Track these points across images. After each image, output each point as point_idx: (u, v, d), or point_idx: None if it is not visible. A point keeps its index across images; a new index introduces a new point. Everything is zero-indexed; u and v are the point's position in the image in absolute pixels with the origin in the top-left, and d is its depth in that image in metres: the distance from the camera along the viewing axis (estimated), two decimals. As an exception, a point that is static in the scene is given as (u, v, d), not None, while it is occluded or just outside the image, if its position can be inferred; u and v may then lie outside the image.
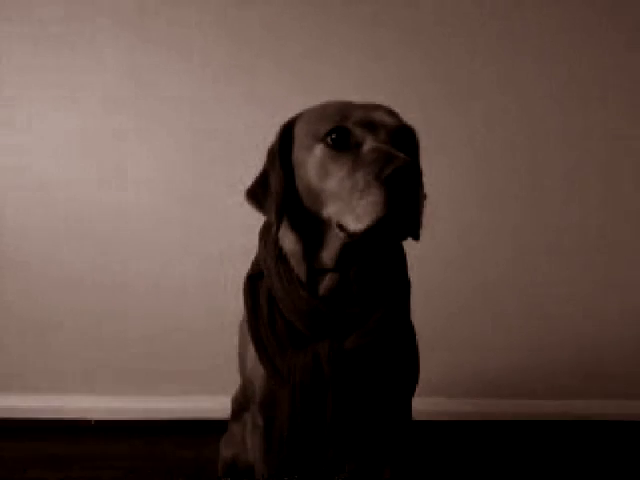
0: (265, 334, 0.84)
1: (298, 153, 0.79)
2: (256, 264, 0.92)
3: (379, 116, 0.77)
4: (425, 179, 0.78)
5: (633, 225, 1.72)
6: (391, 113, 0.80)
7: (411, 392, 0.94)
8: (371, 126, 0.75)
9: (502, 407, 1.73)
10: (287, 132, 0.82)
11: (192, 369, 1.67)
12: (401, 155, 0.68)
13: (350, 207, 0.69)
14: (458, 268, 1.69)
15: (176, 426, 1.63)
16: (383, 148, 0.70)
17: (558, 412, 1.74)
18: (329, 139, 0.74)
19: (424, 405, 1.60)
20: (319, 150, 0.75)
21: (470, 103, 1.64)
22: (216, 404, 1.37)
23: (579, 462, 1.52)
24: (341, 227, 0.72)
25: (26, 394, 1.66)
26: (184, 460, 1.47)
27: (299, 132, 0.81)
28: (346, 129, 0.74)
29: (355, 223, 0.68)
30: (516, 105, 1.65)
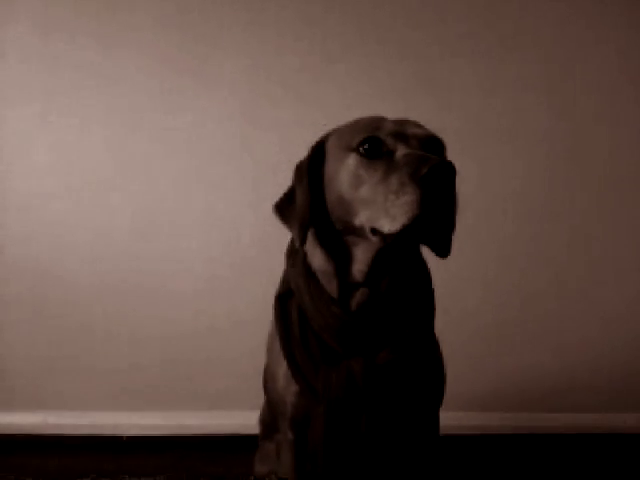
0: (298, 352, 0.86)
1: (330, 166, 0.81)
2: (285, 283, 0.93)
3: (409, 128, 0.79)
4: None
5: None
6: (420, 126, 0.81)
7: (438, 405, 0.95)
8: (402, 136, 0.77)
9: (523, 421, 1.72)
10: (319, 149, 0.84)
11: (222, 385, 1.69)
12: (434, 157, 0.69)
13: (385, 209, 0.70)
14: (475, 280, 1.70)
15: (206, 441, 1.65)
16: (417, 152, 0.72)
17: (579, 425, 1.72)
18: (362, 149, 0.76)
19: (450, 419, 1.61)
20: (352, 159, 0.77)
21: (467, 112, 1.66)
22: (246, 420, 1.37)
23: (584, 476, 1.49)
24: (375, 231, 0.74)
25: (58, 411, 1.69)
26: (214, 476, 1.47)
27: (331, 146, 0.83)
28: (378, 138, 0.76)
29: (391, 224, 0.69)
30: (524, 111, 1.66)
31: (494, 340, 1.72)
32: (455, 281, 1.63)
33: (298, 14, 1.63)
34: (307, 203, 0.81)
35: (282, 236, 0.93)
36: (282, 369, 0.89)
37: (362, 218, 0.75)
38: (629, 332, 1.74)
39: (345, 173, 0.77)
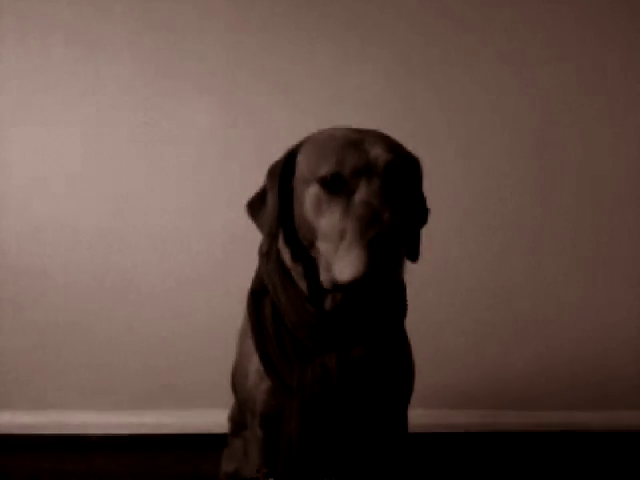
0: (272, 349, 0.87)
1: (297, 183, 0.83)
2: (258, 280, 0.94)
3: (376, 154, 0.79)
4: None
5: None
6: (390, 147, 0.82)
7: (407, 400, 0.98)
8: (367, 170, 0.78)
9: (506, 418, 1.74)
10: (291, 156, 0.86)
11: (191, 383, 1.68)
12: (386, 216, 0.72)
13: (337, 256, 0.75)
14: (461, 278, 1.72)
15: (175, 441, 1.64)
16: (372, 204, 0.74)
17: (561, 423, 1.75)
18: (324, 181, 0.78)
19: (427, 418, 1.64)
20: (315, 189, 0.79)
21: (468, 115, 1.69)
22: (215, 418, 1.37)
23: (582, 474, 1.52)
24: (329, 269, 0.77)
25: (26, 410, 1.66)
26: (183, 475, 1.47)
27: (301, 163, 0.84)
28: (341, 176, 0.78)
29: (340, 274, 0.74)
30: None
31: (476, 338, 1.74)
32: (437, 279, 1.68)
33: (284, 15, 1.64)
34: (276, 212, 0.83)
35: (258, 233, 0.93)
36: (253, 366, 0.90)
37: (321, 248, 0.79)
38: (613, 330, 1.77)
39: (308, 199, 0.80)
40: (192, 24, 1.62)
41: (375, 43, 1.65)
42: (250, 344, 0.91)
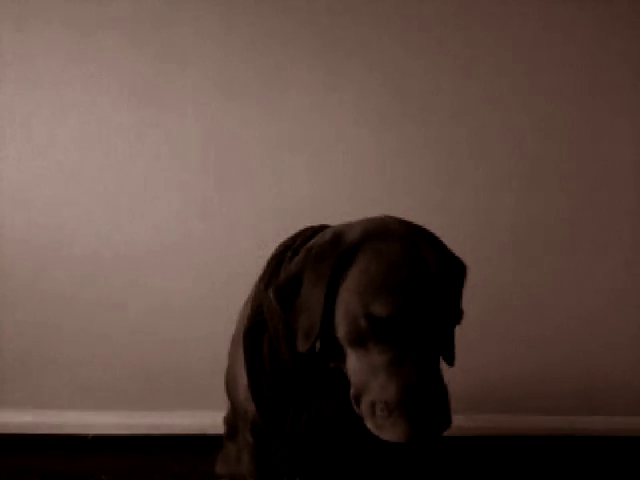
0: (267, 388, 0.83)
1: (350, 296, 0.74)
2: (255, 314, 0.88)
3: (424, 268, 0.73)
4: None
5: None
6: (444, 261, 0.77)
7: None
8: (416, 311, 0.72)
9: (503, 422, 1.73)
10: (342, 257, 0.75)
11: (189, 385, 1.67)
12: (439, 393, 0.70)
13: (374, 416, 0.70)
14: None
15: (173, 441, 1.64)
16: (416, 383, 0.69)
17: (559, 427, 1.74)
18: (374, 321, 0.71)
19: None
20: (364, 322, 0.71)
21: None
22: (213, 420, 1.36)
23: (580, 479, 1.52)
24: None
25: (23, 409, 1.65)
26: (180, 476, 1.47)
27: (353, 276, 0.74)
28: (397, 321, 0.71)
29: (379, 432, 0.70)
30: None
31: (474, 341, 1.71)
32: None
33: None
34: (320, 313, 0.73)
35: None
36: (244, 381, 0.86)
37: (351, 379, 0.74)
38: (613, 335, 1.75)
39: (354, 325, 0.72)
40: (190, 22, 1.60)
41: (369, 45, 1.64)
42: (242, 354, 0.87)
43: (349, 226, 0.80)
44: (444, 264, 0.76)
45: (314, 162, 1.63)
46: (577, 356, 1.75)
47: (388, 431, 0.68)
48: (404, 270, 0.72)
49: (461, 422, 1.71)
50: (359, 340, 0.72)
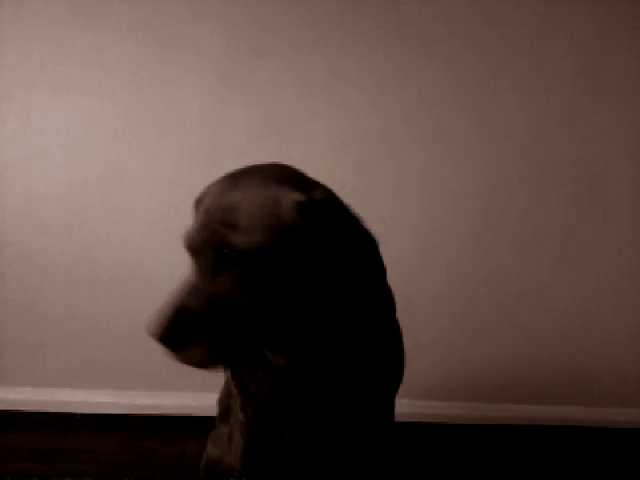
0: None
1: None
2: None
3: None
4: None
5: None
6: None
7: (393, 391, 0.94)
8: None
9: (492, 411, 1.76)
10: None
11: (178, 366, 1.66)
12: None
13: None
14: (450, 270, 1.72)
15: (161, 422, 1.65)
16: None
17: (547, 417, 1.76)
18: None
19: (413, 408, 1.66)
20: None
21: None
22: (202, 401, 1.37)
23: (574, 469, 1.55)
24: None
25: (11, 387, 1.66)
26: (167, 456, 1.49)
27: None
28: None
29: None
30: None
31: (465, 329, 1.75)
32: (426, 270, 1.68)
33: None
34: None
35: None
36: None
37: None
38: (604, 325, 1.77)
39: None
40: (189, 11, 1.59)
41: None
42: None
43: None
44: (224, 203, 0.74)
45: (318, 153, 1.62)
46: (573, 347, 1.78)
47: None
48: (200, 203, 0.78)
49: (457, 410, 1.74)
50: None
